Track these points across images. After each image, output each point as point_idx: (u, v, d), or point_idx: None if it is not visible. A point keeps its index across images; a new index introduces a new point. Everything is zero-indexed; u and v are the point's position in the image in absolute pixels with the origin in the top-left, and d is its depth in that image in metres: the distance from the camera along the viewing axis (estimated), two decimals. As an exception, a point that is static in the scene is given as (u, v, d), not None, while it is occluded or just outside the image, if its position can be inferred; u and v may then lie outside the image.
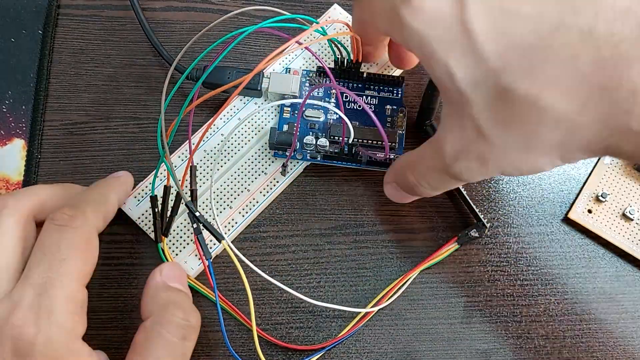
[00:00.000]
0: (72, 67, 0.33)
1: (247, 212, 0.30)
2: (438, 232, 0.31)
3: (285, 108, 0.31)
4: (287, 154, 0.30)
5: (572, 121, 0.20)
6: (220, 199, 0.30)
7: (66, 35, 0.34)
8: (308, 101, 0.29)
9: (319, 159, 0.31)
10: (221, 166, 0.30)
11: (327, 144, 0.30)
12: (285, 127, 0.31)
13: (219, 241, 0.26)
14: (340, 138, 0.30)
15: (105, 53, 0.33)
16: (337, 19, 0.33)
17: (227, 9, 0.34)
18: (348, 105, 0.31)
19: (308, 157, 0.31)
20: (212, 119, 0.28)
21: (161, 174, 0.30)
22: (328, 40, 0.30)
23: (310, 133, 0.30)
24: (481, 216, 0.30)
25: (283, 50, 0.27)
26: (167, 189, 0.29)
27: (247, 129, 0.31)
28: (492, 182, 0.32)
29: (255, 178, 0.30)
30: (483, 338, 0.29)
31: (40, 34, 0.33)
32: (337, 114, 0.30)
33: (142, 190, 0.30)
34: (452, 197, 0.31)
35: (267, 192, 0.30)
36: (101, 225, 0.25)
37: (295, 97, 0.31)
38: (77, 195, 0.26)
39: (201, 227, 0.26)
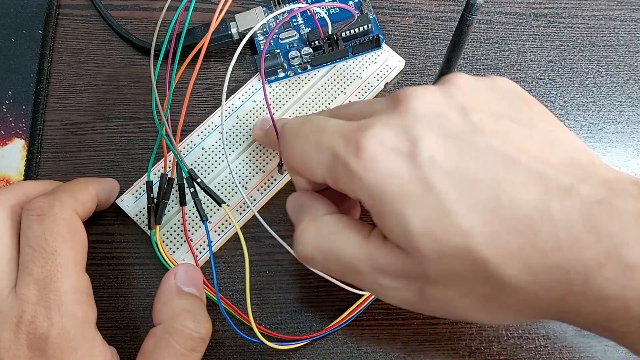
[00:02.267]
0: (72, 67, 0.33)
1: (244, 210, 0.30)
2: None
3: (260, 41, 0.32)
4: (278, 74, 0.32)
5: (530, 293, 0.19)
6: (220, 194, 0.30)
7: (66, 35, 0.34)
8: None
9: (309, 68, 0.32)
10: (219, 164, 0.31)
11: (311, 50, 0.32)
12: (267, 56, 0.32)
13: (219, 205, 0.27)
14: (320, 39, 0.31)
15: (105, 53, 0.33)
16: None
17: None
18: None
19: (299, 71, 0.32)
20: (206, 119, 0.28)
21: (159, 165, 0.30)
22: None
23: (293, 49, 0.32)
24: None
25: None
26: (163, 177, 0.29)
27: (244, 128, 0.31)
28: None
29: (253, 176, 0.30)
30: (483, 337, 0.29)
31: (40, 34, 0.33)
32: (307, 14, 0.32)
33: (140, 187, 0.30)
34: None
35: (265, 190, 0.30)
36: (80, 210, 0.25)
37: (264, 26, 0.33)
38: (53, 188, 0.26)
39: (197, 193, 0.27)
